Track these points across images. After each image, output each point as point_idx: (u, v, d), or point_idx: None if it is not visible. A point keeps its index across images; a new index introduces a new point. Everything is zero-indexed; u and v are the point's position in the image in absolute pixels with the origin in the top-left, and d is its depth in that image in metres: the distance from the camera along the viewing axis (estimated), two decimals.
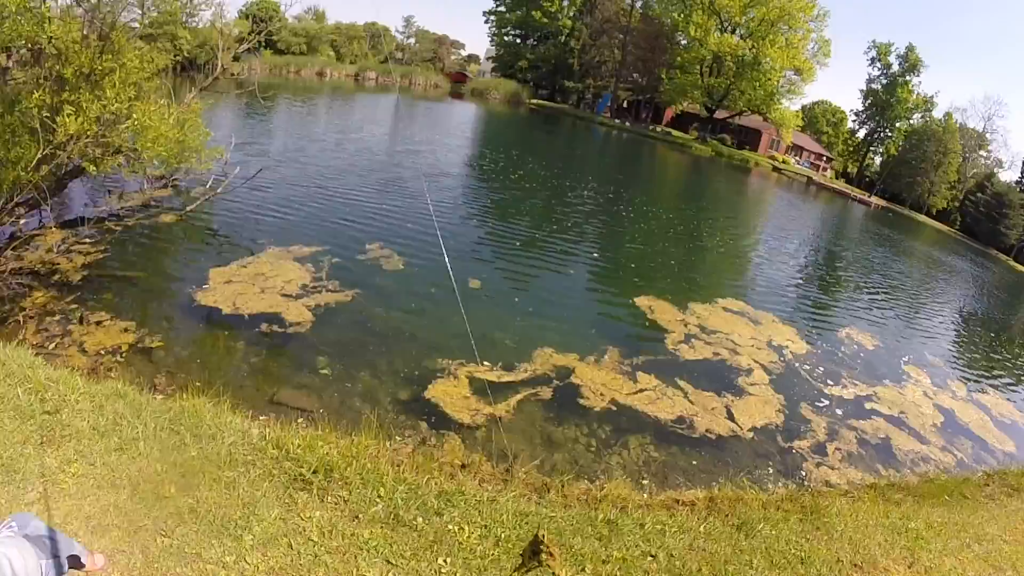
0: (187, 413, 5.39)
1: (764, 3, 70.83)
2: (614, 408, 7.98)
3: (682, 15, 74.78)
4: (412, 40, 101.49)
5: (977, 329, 21.97)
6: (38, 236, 10.17)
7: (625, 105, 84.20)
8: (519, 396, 7.68)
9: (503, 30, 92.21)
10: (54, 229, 10.52)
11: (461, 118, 47.54)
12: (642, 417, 7.95)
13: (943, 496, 7.67)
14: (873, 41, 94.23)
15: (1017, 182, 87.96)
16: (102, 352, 7.19)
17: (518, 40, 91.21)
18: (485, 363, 8.24)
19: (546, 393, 7.93)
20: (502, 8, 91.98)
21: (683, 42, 76.94)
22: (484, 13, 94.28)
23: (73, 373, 5.93)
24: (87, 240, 10.26)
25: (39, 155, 8.79)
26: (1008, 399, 13.54)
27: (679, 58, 74.18)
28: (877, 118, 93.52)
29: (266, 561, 4.02)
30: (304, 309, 8.83)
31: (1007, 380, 15.57)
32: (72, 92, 9.28)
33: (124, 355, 7.17)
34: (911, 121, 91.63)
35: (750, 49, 71.09)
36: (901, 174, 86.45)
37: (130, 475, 4.49)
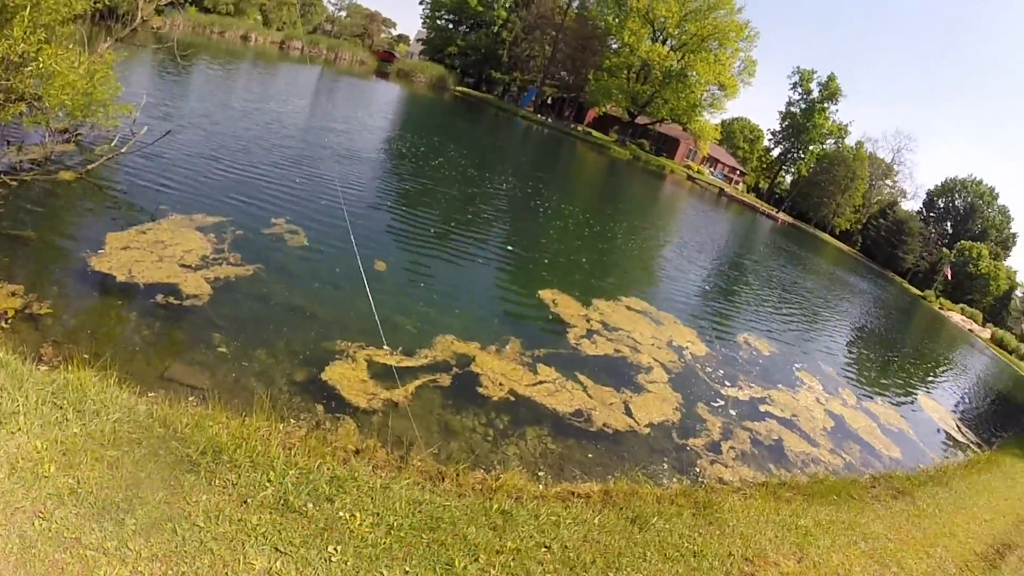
0: (71, 386, 5.02)
1: (700, 19, 73.41)
2: (513, 399, 7.99)
3: (616, 20, 76.14)
4: (343, 13, 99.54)
5: (871, 344, 23.48)
6: None
7: (549, 101, 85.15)
8: (418, 382, 7.57)
9: (436, 13, 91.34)
10: None
11: (384, 98, 46.67)
12: (541, 409, 8.00)
13: (831, 496, 8.16)
14: (798, 67, 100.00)
15: (918, 212, 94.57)
16: None
17: (450, 25, 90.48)
18: (385, 347, 8.03)
19: (445, 380, 7.83)
20: None
21: (614, 46, 78.30)
22: None
23: None
24: None
25: None
26: (896, 409, 14.60)
27: (608, 61, 75.71)
28: (792, 139, 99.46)
29: (149, 547, 3.77)
30: (203, 281, 8.34)
31: (895, 391, 16.72)
32: None
33: (9, 321, 6.59)
34: (824, 146, 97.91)
35: (679, 61, 73.16)
36: (810, 194, 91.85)
37: (8, 452, 4.15)
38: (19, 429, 4.42)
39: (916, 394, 17.88)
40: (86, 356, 6.04)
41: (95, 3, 11.51)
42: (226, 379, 6.65)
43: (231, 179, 13.32)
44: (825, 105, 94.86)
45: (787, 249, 43.59)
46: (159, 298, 7.76)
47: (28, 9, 8.82)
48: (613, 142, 73.41)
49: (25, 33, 8.62)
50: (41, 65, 8.93)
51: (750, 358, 13.28)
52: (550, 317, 11.34)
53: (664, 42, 76.86)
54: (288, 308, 8.54)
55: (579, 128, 76.41)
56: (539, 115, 75.62)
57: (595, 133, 76.78)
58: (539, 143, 50.74)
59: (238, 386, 6.59)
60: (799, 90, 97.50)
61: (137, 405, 5.18)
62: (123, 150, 12.16)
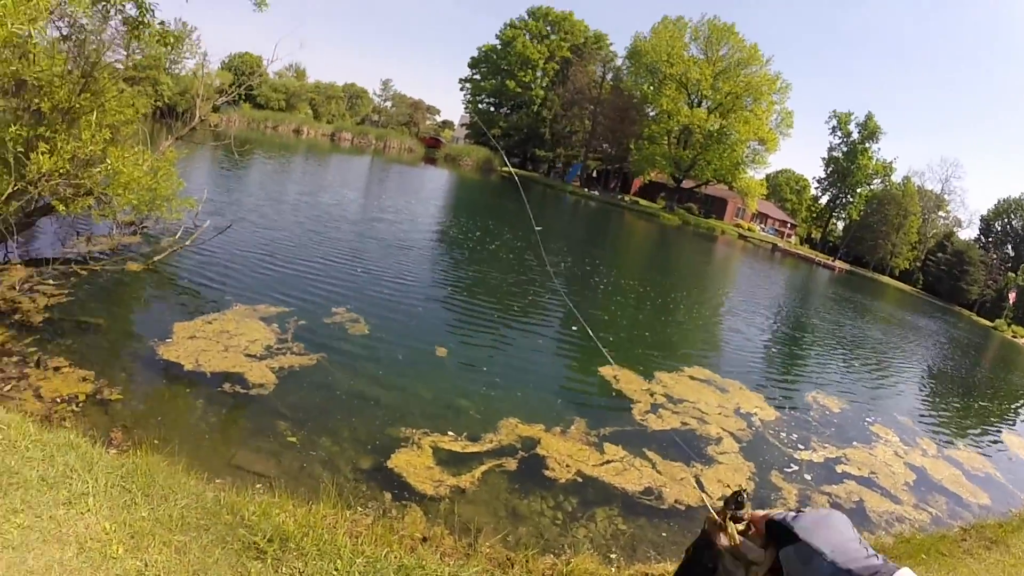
0: (140, 471, 5.13)
1: (732, 77, 74.35)
2: (580, 480, 7.82)
3: (651, 88, 77.46)
4: (389, 103, 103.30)
5: (945, 385, 22.34)
6: (2, 271, 9.94)
7: (595, 174, 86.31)
8: (484, 467, 7.50)
9: (477, 97, 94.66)
10: (19, 266, 10.32)
11: (433, 184, 48.01)
12: (609, 489, 7.80)
13: (920, 555, 7.62)
14: (834, 111, 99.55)
15: (976, 239, 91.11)
16: (58, 399, 6.91)
17: (492, 108, 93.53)
18: (450, 433, 8.07)
19: (511, 464, 7.75)
20: (477, 76, 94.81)
21: (652, 114, 79.35)
22: (460, 80, 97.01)
23: (26, 419, 5.69)
24: (51, 281, 10.03)
25: (10, 190, 8.66)
26: (980, 452, 13.75)
27: (648, 129, 76.75)
28: (839, 184, 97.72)
29: None
30: (267, 370, 8.61)
31: (977, 433, 15.80)
32: (49, 128, 9.27)
33: (80, 404, 6.90)
34: (871, 186, 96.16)
35: (717, 121, 73.82)
36: (864, 238, 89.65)
37: (77, 531, 4.23)
38: (88, 510, 4.50)
39: (999, 432, 16.76)
40: (155, 441, 6.24)
41: (155, 102, 12.18)
42: (292, 466, 6.73)
43: (291, 270, 13.84)
44: (866, 145, 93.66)
45: (847, 298, 42.46)
46: (225, 386, 7.95)
47: (94, 112, 9.35)
48: (661, 209, 73.64)
49: (92, 135, 9.08)
50: (109, 166, 9.37)
51: (821, 417, 12.78)
52: (613, 394, 11.18)
53: (700, 104, 77.80)
54: (352, 396, 8.66)
55: (626, 198, 77.13)
56: (586, 189, 76.58)
57: (642, 202, 77.31)
58: (588, 217, 51.15)
59: (304, 473, 6.66)
60: (838, 134, 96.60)
61: (205, 491, 5.25)
62: (187, 243, 12.68)
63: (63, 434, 5.55)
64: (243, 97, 60.32)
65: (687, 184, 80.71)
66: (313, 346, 9.78)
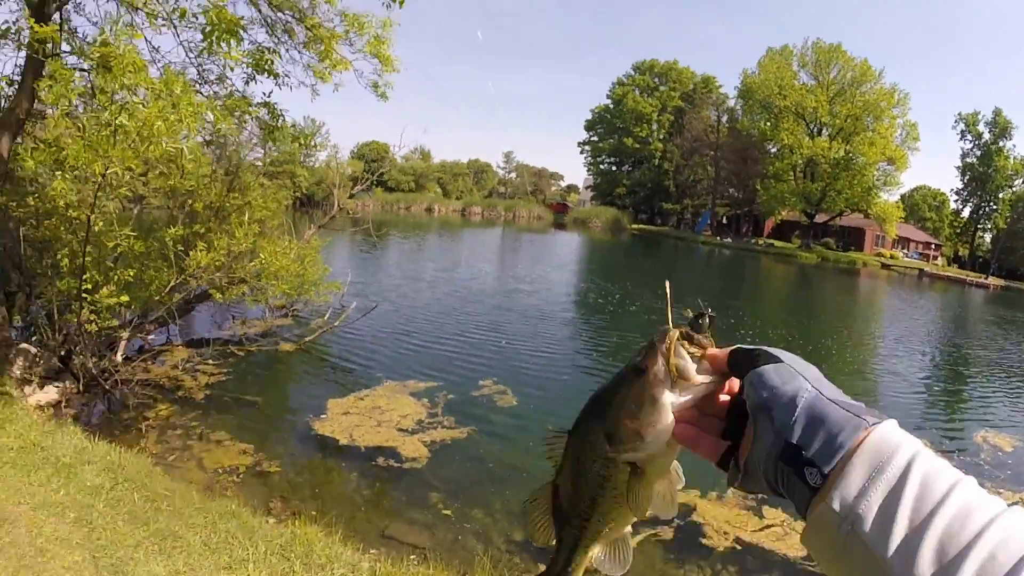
0: (298, 540, 5.33)
1: (848, 99, 70.67)
2: (739, 547, 7.34)
3: (768, 123, 74.89)
4: (513, 174, 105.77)
5: None
6: (165, 352, 11.04)
7: (724, 221, 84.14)
8: (639, 536, 7.20)
9: (598, 159, 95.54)
10: (180, 347, 11.43)
11: (566, 248, 48.50)
12: (770, 555, 7.27)
13: None
14: (959, 113, 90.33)
15: None
16: (219, 470, 7.44)
17: (613, 167, 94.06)
18: None
19: (667, 533, 7.38)
20: (595, 137, 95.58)
21: (773, 150, 76.71)
22: (579, 144, 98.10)
23: (189, 487, 6.12)
24: (210, 361, 10.94)
25: (173, 283, 9.55)
26: None
27: (771, 167, 73.81)
28: (979, 192, 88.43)
29: None
30: (420, 444, 8.83)
31: None
32: (203, 224, 10.42)
33: (241, 476, 7.35)
34: (1014, 188, 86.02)
35: (841, 147, 70.04)
36: (1014, 247, 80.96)
37: None
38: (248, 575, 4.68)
39: None
40: (312, 512, 6.48)
41: (294, 193, 13.13)
42: (446, 538, 6.74)
43: (436, 345, 14.33)
44: (1000, 144, 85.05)
45: (1008, 318, 38.29)
46: (379, 460, 8.21)
47: (245, 212, 10.24)
48: (797, 248, 70.61)
49: (245, 233, 9.87)
50: (263, 261, 10.14)
51: (993, 459, 11.51)
52: None
53: (820, 132, 74.30)
54: (504, 467, 8.69)
55: (760, 241, 74.50)
56: (717, 237, 74.61)
57: (777, 243, 74.35)
58: (724, 267, 49.75)
59: (458, 545, 6.65)
60: (968, 137, 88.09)
61: (361, 562, 5.35)
62: (335, 323, 13.38)
63: (224, 503, 5.91)
64: (375, 183, 63.81)
65: (820, 218, 76.19)
66: (463, 419, 9.92)
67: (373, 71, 12.17)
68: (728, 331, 21.35)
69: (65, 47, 10.19)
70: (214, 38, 8.39)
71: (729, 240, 72.89)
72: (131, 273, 9.19)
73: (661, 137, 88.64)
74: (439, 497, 7.52)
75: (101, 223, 8.80)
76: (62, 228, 9.33)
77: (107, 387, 9.25)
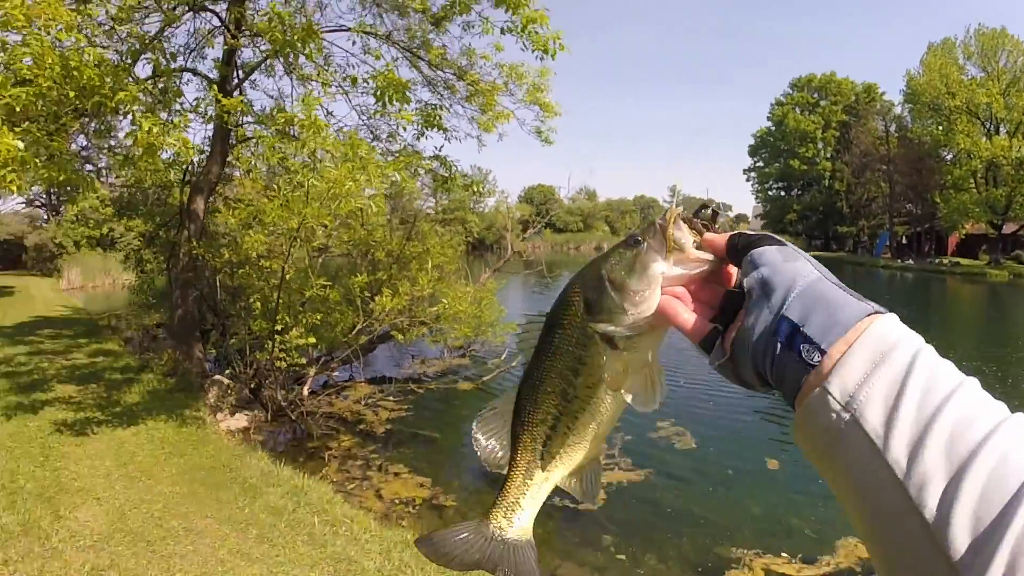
0: None
1: (1022, 88, 62.18)
2: None
3: (940, 128, 67.52)
4: (680, 208, 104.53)
5: None
6: (348, 388, 12.00)
7: (904, 240, 77.16)
8: None
9: (765, 185, 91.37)
10: (362, 384, 12.38)
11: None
12: None
13: None
14: None
15: None
16: (396, 501, 7.83)
17: (782, 192, 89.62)
18: (783, 554, 7.35)
19: None
20: (759, 163, 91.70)
21: (949, 157, 69.07)
22: (744, 171, 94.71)
23: (367, 515, 6.51)
24: (391, 398, 11.72)
25: (359, 325, 10.39)
26: None
27: (949, 176, 65.28)
28: None
29: None
30: None
31: None
32: (385, 271, 11.56)
33: (417, 507, 7.71)
34: None
35: (1023, 144, 61.32)
36: None
37: None
38: None
39: None
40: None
41: (466, 238, 13.83)
42: None
43: None
44: None
45: None
46: (554, 499, 8.12)
47: (427, 260, 11.00)
48: (985, 265, 62.44)
49: (427, 280, 10.57)
50: (445, 305, 10.85)
51: None
52: None
53: (998, 130, 64.80)
54: (680, 512, 8.45)
55: (944, 261, 67.30)
56: (898, 260, 68.40)
57: (963, 261, 66.64)
58: (907, 293, 45.17)
59: None
60: None
61: None
62: (512, 364, 13.70)
63: (400, 532, 6.24)
64: (545, 225, 65.33)
65: (1009, 228, 65.19)
66: (640, 461, 9.77)
67: (535, 117, 12.69)
68: None
69: (247, 118, 11.57)
70: (386, 99, 9.15)
71: (911, 262, 66.31)
72: (318, 317, 10.14)
73: (828, 156, 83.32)
74: (612, 540, 7.44)
75: (292, 272, 9.78)
76: (254, 276, 10.55)
77: (293, 417, 10.28)
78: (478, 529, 0.91)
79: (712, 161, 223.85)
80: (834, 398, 0.62)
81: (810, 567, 7.28)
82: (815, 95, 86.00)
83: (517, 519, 0.92)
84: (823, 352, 0.64)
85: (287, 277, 9.71)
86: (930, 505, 0.54)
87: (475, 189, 12.61)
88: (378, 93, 9.15)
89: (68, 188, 11.41)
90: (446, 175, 12.32)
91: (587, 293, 0.86)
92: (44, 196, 35.61)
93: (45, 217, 37.43)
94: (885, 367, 0.61)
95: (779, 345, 0.68)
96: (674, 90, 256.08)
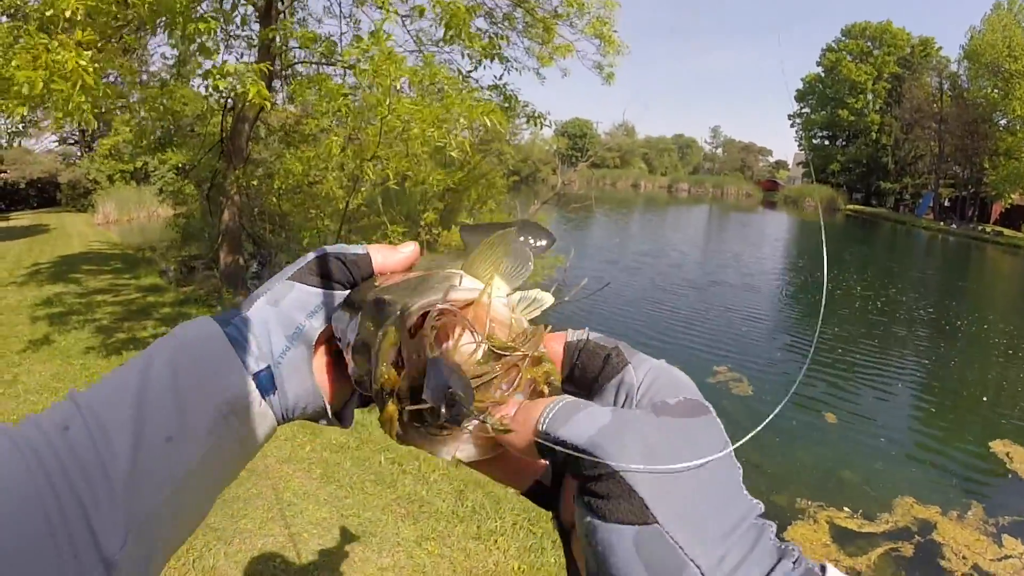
0: (544, 516, 5.44)
1: None
2: (975, 575, 6.85)
3: (997, 91, 64.51)
4: (719, 150, 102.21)
5: None
6: None
7: (948, 203, 75.03)
8: (880, 550, 6.80)
9: (809, 132, 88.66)
10: None
11: (777, 231, 45.86)
12: None
13: None
14: None
15: None
16: None
17: (827, 142, 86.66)
18: (845, 508, 7.45)
19: (907, 550, 6.90)
20: (806, 110, 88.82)
21: (1003, 123, 66.32)
22: (789, 116, 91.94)
23: None
24: None
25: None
26: None
27: (1003, 142, 63.16)
28: None
29: None
30: None
31: None
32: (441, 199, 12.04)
33: None
34: None
35: None
36: None
37: (487, 567, 4.57)
38: (497, 547, 4.80)
39: None
40: None
41: (512, 174, 13.70)
42: None
43: (667, 327, 14.27)
44: None
45: None
46: None
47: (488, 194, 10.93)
48: None
49: (490, 209, 11.02)
50: None
51: None
52: (1009, 475, 9.47)
53: None
54: (738, 460, 8.31)
55: (988, 229, 65.40)
56: (940, 222, 66.64)
57: (1006, 232, 64.95)
58: (946, 257, 43.98)
59: None
60: None
61: None
62: (566, 298, 13.60)
63: (468, 471, 6.16)
64: (582, 158, 64.41)
65: None
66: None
67: (596, 51, 12.16)
68: (943, 337, 17.95)
69: (293, 42, 11.21)
70: (454, 30, 8.79)
71: (954, 226, 64.73)
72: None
73: (877, 108, 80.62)
74: None
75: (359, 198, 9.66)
76: (307, 203, 10.32)
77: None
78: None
79: (753, 104, 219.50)
80: None
81: (870, 523, 7.34)
82: (869, 44, 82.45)
83: None
84: None
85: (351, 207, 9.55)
86: None
87: (537, 122, 12.18)
88: (448, 22, 8.79)
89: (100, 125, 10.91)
90: (508, 105, 11.94)
91: None
92: (77, 133, 35.28)
93: (78, 153, 36.96)
94: None
95: None
96: (720, 35, 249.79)
